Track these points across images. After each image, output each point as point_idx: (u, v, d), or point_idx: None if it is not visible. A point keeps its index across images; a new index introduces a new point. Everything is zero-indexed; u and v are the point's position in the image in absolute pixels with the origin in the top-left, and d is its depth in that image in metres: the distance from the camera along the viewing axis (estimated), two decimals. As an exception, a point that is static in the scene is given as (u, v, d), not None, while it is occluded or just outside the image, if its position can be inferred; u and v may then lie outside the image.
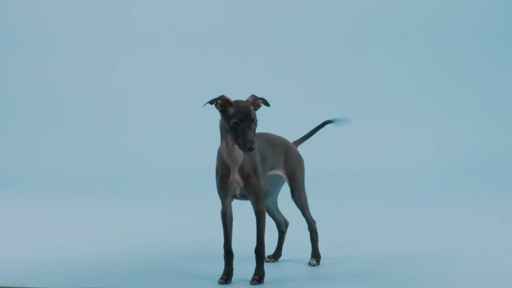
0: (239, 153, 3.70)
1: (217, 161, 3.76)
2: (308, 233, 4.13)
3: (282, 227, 4.25)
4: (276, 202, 4.23)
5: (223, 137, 3.72)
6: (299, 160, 4.05)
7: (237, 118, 3.61)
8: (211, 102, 3.68)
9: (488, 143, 7.37)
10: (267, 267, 3.81)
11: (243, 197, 3.81)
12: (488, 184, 6.69)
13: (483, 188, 6.56)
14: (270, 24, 7.72)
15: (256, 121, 3.65)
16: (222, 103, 3.69)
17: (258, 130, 3.70)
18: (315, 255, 4.08)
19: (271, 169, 3.92)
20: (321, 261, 4.10)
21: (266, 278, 3.72)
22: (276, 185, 4.13)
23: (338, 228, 5.07)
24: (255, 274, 3.75)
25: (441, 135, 7.46)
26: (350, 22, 7.73)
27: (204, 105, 3.74)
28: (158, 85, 7.39)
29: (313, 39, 7.71)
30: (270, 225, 3.96)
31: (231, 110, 3.65)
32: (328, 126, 4.36)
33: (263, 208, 3.80)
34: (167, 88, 7.37)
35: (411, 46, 7.70)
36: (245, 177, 3.74)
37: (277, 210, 4.26)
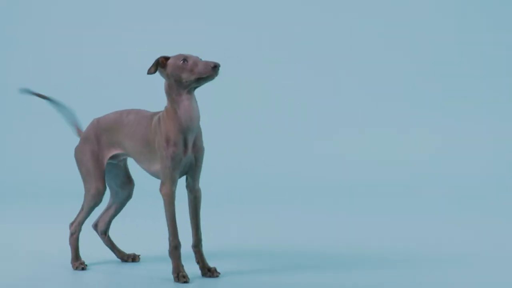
0: (198, 112, 3.66)
1: (166, 131, 3.63)
2: None
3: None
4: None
5: (175, 100, 3.63)
6: None
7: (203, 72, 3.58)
8: (153, 70, 3.65)
9: (485, 149, 7.36)
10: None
11: (186, 172, 3.73)
12: (486, 192, 6.66)
13: (481, 196, 6.52)
14: (268, 29, 7.72)
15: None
16: (163, 61, 3.67)
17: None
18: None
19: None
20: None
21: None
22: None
23: (334, 235, 5.06)
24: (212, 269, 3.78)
25: (435, 142, 7.44)
26: (348, 27, 7.73)
27: (150, 72, 3.66)
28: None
29: (311, 43, 7.71)
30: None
31: (189, 63, 3.60)
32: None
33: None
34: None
35: (411, 52, 7.70)
36: (199, 146, 3.71)
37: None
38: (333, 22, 7.71)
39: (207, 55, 7.71)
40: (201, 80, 3.60)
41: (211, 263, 3.87)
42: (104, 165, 3.88)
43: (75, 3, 7.80)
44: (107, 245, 4.14)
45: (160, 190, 3.67)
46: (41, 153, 7.29)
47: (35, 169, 7.12)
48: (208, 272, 3.75)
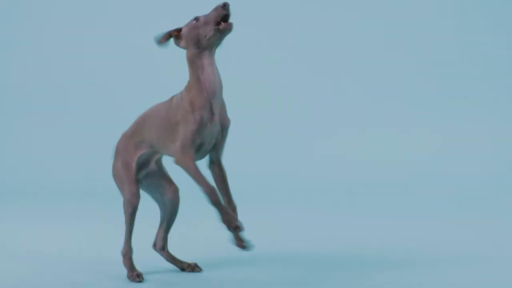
0: (220, 77, 3.61)
1: (191, 98, 3.56)
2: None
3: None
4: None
5: (198, 66, 3.57)
6: None
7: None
8: (163, 40, 3.63)
9: (485, 149, 7.36)
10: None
11: (212, 144, 3.64)
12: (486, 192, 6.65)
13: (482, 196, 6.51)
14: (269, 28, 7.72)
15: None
16: (176, 33, 3.65)
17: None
18: None
19: None
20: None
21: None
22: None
23: (339, 235, 5.06)
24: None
25: (435, 142, 7.44)
26: (348, 27, 7.73)
27: (159, 43, 3.63)
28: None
29: (311, 43, 7.71)
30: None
31: (200, 19, 3.61)
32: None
33: None
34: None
35: (411, 52, 7.69)
36: (225, 116, 3.66)
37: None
38: (333, 22, 7.70)
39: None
40: (220, 31, 3.54)
41: (210, 264, 3.87)
42: (134, 169, 3.78)
43: (75, 3, 7.80)
44: (168, 260, 3.99)
45: (176, 160, 3.55)
46: (41, 153, 7.29)
47: (35, 169, 7.12)
48: (241, 243, 3.65)
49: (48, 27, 7.76)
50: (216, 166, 3.70)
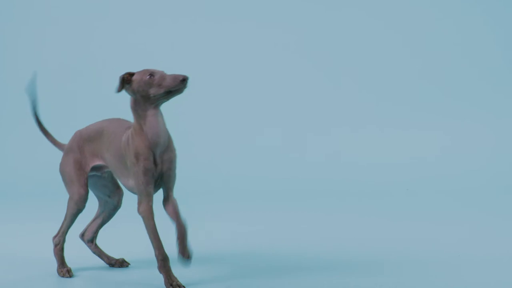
0: (165, 126, 3.59)
1: (135, 147, 3.56)
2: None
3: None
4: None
5: (141, 116, 3.56)
6: None
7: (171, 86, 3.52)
8: (120, 88, 3.59)
9: (486, 149, 7.36)
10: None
11: (160, 185, 3.65)
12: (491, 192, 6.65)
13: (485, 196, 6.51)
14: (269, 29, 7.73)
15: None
16: (128, 78, 3.60)
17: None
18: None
19: None
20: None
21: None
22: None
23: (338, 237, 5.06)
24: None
25: (441, 143, 7.44)
26: (348, 27, 7.73)
27: (118, 91, 3.60)
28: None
29: (311, 43, 7.71)
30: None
31: (156, 77, 3.54)
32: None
33: None
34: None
35: (411, 52, 7.70)
36: (167, 158, 3.63)
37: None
38: (333, 22, 7.70)
39: (207, 55, 7.70)
40: (169, 94, 3.53)
41: (210, 266, 3.86)
42: (87, 172, 3.83)
43: (75, 3, 7.80)
44: (94, 252, 4.07)
45: (138, 210, 3.59)
46: (41, 153, 7.29)
47: (35, 169, 7.11)
48: (182, 253, 3.61)
49: (48, 27, 7.77)
50: (168, 203, 3.65)
